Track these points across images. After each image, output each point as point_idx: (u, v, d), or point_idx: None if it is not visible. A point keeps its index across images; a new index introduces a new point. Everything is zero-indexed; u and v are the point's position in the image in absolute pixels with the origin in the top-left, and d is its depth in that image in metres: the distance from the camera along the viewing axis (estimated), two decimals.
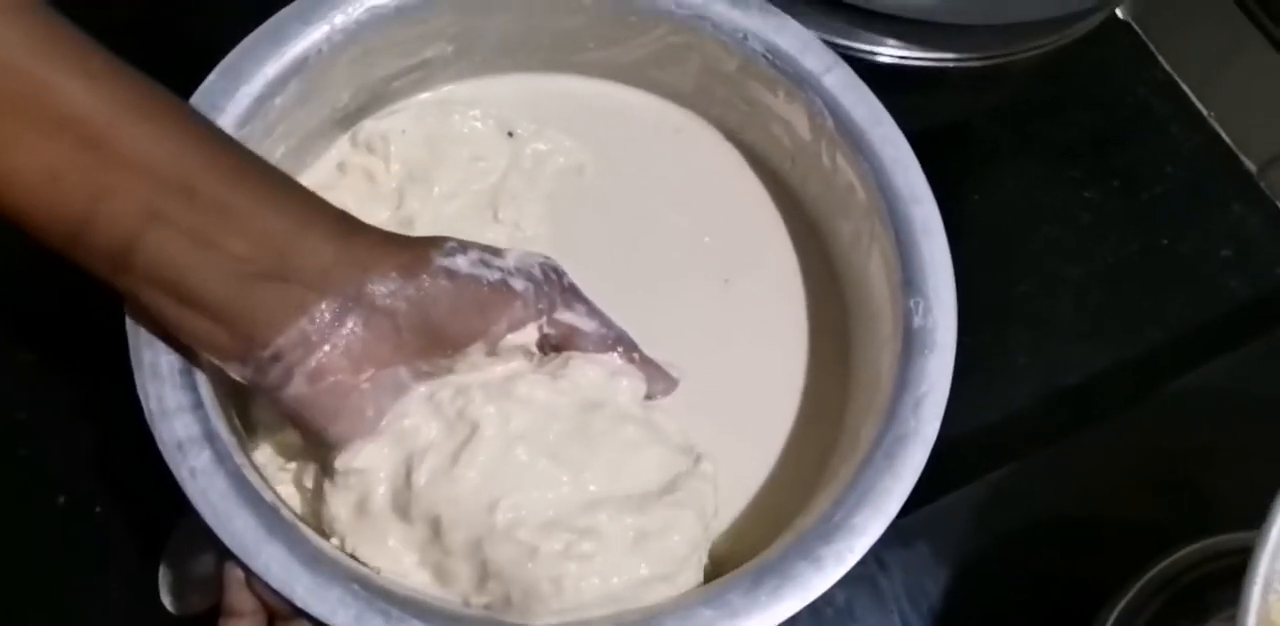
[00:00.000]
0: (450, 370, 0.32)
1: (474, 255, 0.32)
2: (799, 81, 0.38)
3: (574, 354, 0.34)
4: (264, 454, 0.36)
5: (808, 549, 0.32)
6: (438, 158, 0.41)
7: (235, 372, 0.30)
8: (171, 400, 0.31)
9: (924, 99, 0.50)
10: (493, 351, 0.32)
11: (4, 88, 0.27)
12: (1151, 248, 0.54)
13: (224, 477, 0.30)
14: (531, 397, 0.32)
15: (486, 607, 0.32)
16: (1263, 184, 0.57)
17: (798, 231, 0.42)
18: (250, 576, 0.30)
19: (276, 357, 0.29)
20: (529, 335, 0.33)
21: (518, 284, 0.32)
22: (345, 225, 0.31)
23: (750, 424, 0.39)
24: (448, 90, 0.42)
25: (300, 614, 0.30)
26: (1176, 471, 0.44)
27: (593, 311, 0.34)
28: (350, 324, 0.30)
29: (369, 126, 0.41)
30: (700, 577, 0.33)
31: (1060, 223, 0.54)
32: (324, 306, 0.29)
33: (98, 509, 0.42)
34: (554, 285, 0.33)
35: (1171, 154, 0.57)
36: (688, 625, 0.31)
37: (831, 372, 0.40)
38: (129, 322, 0.32)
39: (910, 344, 0.35)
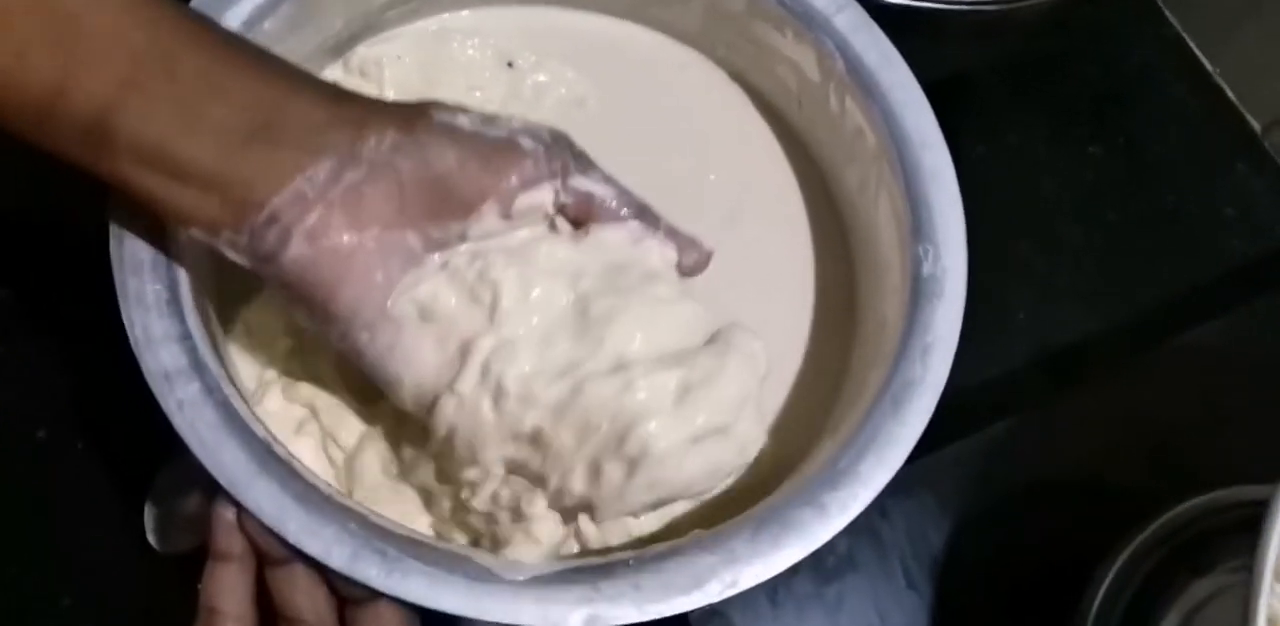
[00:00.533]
0: (463, 238, 0.30)
1: (475, 116, 0.30)
2: (809, 21, 0.37)
3: (595, 224, 0.32)
4: (266, 409, 0.35)
5: (812, 495, 0.31)
6: (432, 85, 0.39)
7: (229, 247, 0.29)
8: (158, 329, 0.30)
9: (930, 47, 0.49)
10: (507, 214, 0.30)
11: None
12: (1154, 206, 0.54)
13: (213, 409, 0.29)
14: (553, 258, 0.31)
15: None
16: (1267, 144, 0.57)
17: (804, 175, 0.41)
18: (242, 515, 0.29)
19: (273, 219, 0.28)
20: (544, 196, 0.31)
21: (525, 142, 0.30)
22: (335, 91, 0.30)
23: None
24: (445, 18, 0.41)
25: (294, 555, 0.29)
26: (1175, 429, 0.44)
27: (609, 178, 0.32)
28: (349, 181, 0.28)
29: (362, 51, 0.39)
30: (763, 434, 0.31)
31: (1063, 179, 0.54)
32: (320, 165, 0.28)
33: (79, 444, 0.41)
34: (565, 148, 0.31)
35: (1177, 112, 0.56)
36: (689, 571, 0.30)
37: (837, 317, 0.39)
38: (113, 251, 0.31)
39: (919, 291, 0.35)
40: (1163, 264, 0.52)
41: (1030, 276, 0.51)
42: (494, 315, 0.30)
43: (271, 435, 0.31)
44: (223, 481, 0.29)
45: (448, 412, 0.30)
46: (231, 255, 0.29)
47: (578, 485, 0.30)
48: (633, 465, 0.29)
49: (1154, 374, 0.46)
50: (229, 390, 0.30)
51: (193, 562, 0.37)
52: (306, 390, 0.35)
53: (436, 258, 0.30)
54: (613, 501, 0.30)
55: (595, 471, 0.30)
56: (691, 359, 0.30)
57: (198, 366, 0.30)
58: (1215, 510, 0.36)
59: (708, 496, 0.36)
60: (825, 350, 0.39)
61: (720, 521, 0.32)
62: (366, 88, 0.39)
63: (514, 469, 0.31)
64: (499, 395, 0.30)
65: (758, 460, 0.37)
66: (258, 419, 0.31)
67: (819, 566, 0.40)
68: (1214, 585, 0.35)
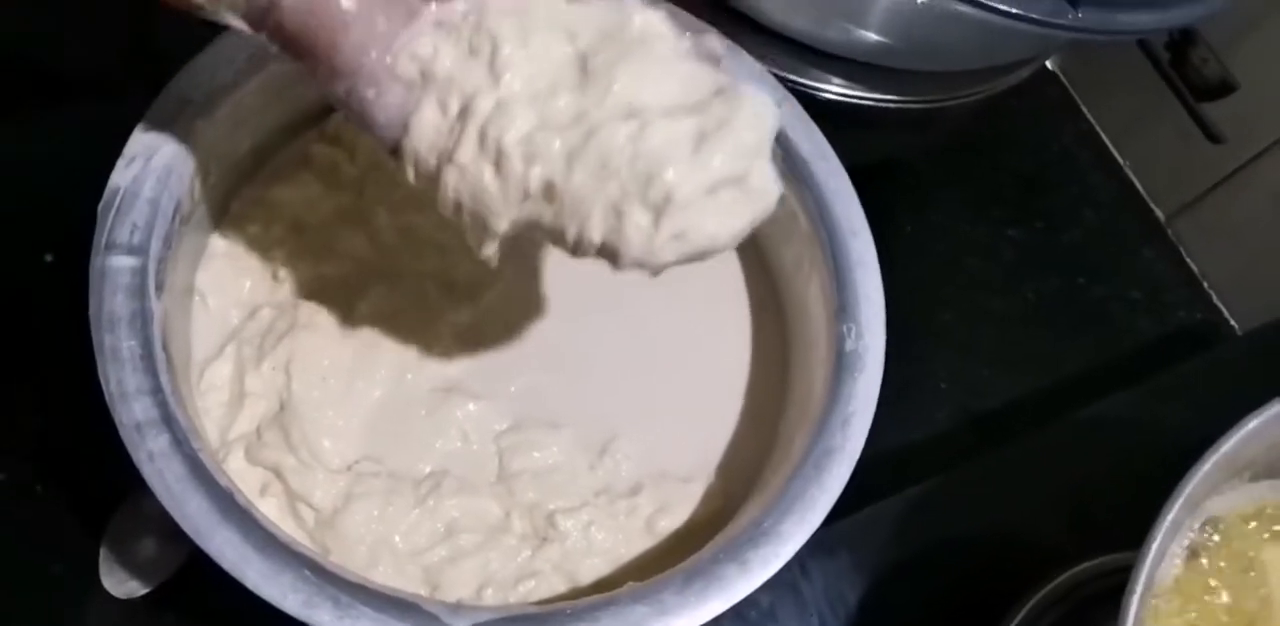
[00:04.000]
0: None
1: None
2: None
3: None
4: (230, 468, 0.36)
5: (737, 552, 0.34)
6: None
7: (230, 10, 0.29)
8: (131, 383, 0.32)
9: (864, 136, 0.53)
10: None
11: None
12: (1068, 286, 0.58)
13: (181, 461, 0.31)
14: (550, 11, 0.29)
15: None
16: (1170, 232, 0.61)
17: (743, 248, 0.44)
18: None
19: None
20: None
21: None
22: None
23: (692, 427, 0.41)
24: None
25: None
26: (1079, 493, 0.47)
27: None
28: None
29: (337, 119, 0.41)
30: (779, 187, 0.30)
31: (985, 258, 0.58)
32: None
33: (39, 488, 0.42)
34: None
35: (1090, 200, 0.61)
36: (622, 621, 0.32)
37: (770, 382, 0.42)
38: (91, 309, 0.33)
39: (841, 365, 0.38)
40: (1074, 340, 0.56)
41: (953, 346, 0.55)
42: (494, 65, 0.29)
43: (234, 485, 0.33)
44: (188, 530, 0.30)
45: (450, 184, 0.30)
46: (233, 21, 0.29)
47: (596, 232, 0.29)
48: (658, 212, 0.28)
49: (1064, 440, 0.49)
50: (197, 443, 0.32)
51: (146, 605, 0.39)
52: (270, 453, 0.37)
53: (433, 7, 0.29)
54: (638, 247, 0.29)
55: (617, 215, 0.28)
56: (703, 108, 0.29)
57: (168, 420, 0.32)
58: (1102, 574, 0.39)
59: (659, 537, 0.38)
60: (760, 411, 0.42)
61: (668, 561, 0.35)
62: (338, 155, 0.41)
63: (527, 229, 0.30)
64: (500, 159, 0.29)
65: (706, 497, 0.39)
66: (222, 470, 0.33)
67: (743, 619, 0.42)
68: None
